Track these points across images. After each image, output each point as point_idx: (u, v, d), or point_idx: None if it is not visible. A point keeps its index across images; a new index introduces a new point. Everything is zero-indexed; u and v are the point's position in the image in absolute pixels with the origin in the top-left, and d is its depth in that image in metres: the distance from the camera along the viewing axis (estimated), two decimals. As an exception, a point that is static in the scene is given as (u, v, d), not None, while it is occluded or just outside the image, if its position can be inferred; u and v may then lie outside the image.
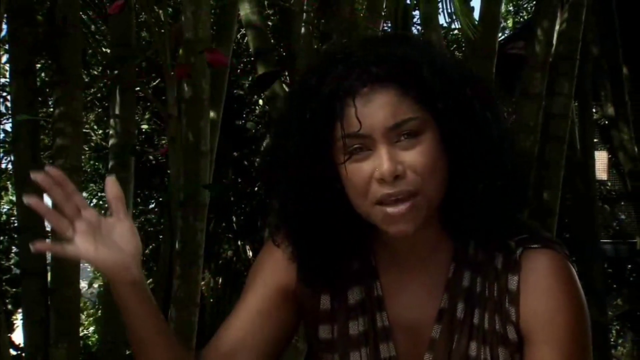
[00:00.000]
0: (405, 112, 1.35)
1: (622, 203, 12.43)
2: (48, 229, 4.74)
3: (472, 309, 1.44)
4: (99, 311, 8.44)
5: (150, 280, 9.22)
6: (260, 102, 9.63)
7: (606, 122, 9.18)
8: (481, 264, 1.45)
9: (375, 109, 1.34)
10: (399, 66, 1.35)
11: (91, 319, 10.70)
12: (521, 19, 14.77)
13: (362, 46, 1.41)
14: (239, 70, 9.12)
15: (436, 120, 1.37)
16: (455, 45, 10.37)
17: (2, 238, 8.27)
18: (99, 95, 8.69)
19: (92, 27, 6.36)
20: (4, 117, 7.81)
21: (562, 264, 1.42)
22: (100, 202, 10.14)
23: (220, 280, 10.15)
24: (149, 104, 8.77)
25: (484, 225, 1.40)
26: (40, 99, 5.85)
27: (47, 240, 1.36)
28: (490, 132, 1.39)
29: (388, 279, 1.50)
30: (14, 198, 8.48)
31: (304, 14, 4.84)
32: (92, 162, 9.87)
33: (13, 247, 8.10)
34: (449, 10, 4.03)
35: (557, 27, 5.29)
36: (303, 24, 4.88)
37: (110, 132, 4.86)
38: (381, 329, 1.49)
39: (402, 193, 1.35)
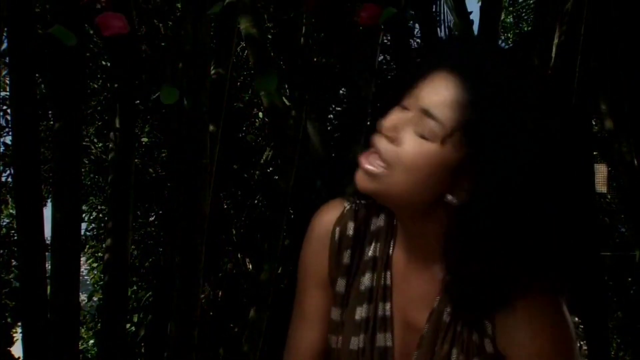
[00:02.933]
0: (443, 113, 1.37)
1: (622, 216, 12.43)
2: (48, 242, 4.74)
3: (458, 315, 1.46)
4: (99, 324, 8.42)
5: (150, 293, 9.21)
6: (260, 114, 9.65)
7: (605, 135, 9.18)
8: None
9: (428, 88, 1.39)
10: (479, 94, 1.36)
11: (91, 332, 10.67)
12: (522, 31, 14.79)
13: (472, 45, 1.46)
14: (238, 84, 9.14)
15: (462, 155, 1.37)
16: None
17: (2, 251, 8.26)
18: (98, 108, 8.70)
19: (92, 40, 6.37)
20: (4, 131, 7.82)
21: (548, 310, 1.43)
22: (100, 215, 10.13)
23: (220, 294, 10.13)
24: (149, 116, 8.78)
25: (477, 275, 1.41)
26: (40, 112, 5.86)
27: None
28: (522, 202, 1.37)
29: (398, 270, 1.53)
30: (13, 211, 8.47)
31: (304, 27, 4.85)
32: (91, 175, 9.87)
33: (13, 261, 8.09)
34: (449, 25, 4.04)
35: (555, 40, 5.30)
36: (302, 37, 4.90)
37: (110, 145, 4.87)
38: (381, 318, 1.52)
39: (376, 149, 1.40)
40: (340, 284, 1.57)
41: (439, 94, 1.37)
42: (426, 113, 1.37)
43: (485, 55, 1.41)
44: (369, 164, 1.41)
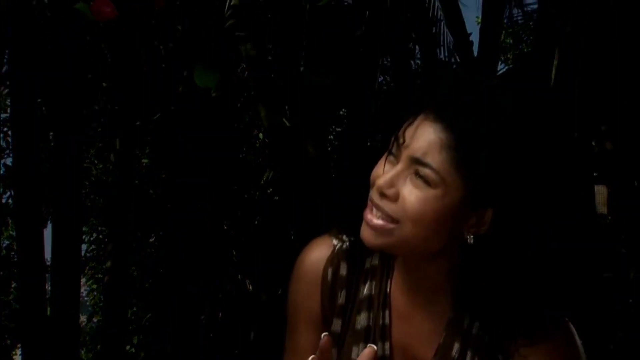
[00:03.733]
0: (434, 159, 1.35)
1: (623, 237, 12.40)
2: (48, 263, 4.73)
3: (466, 350, 1.45)
4: (99, 346, 8.40)
5: (149, 315, 9.19)
6: (261, 135, 9.67)
7: (606, 156, 9.19)
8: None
9: (414, 136, 1.37)
10: (463, 132, 1.35)
11: (91, 354, 10.65)
12: (521, 52, 14.82)
13: (457, 84, 1.42)
14: (239, 105, 9.16)
15: (465, 194, 1.36)
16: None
17: (1, 273, 8.25)
18: (99, 129, 8.71)
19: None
20: (5, 152, 7.83)
21: (562, 339, 1.43)
22: (100, 237, 10.13)
23: (220, 315, 10.12)
24: (149, 137, 8.78)
25: (487, 310, 1.42)
26: (41, 134, 5.86)
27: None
28: (528, 240, 1.38)
29: (397, 308, 1.51)
30: (13, 233, 8.47)
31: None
32: (92, 196, 9.87)
33: (12, 282, 8.08)
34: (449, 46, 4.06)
35: (555, 61, 5.32)
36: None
37: (110, 166, 4.87)
38: (380, 358, 1.49)
39: (381, 210, 1.37)
40: (336, 324, 1.54)
41: (426, 140, 1.35)
42: (417, 162, 1.35)
43: (468, 91, 1.39)
44: (376, 218, 1.38)
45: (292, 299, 1.58)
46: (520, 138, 1.37)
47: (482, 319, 1.42)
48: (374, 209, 1.38)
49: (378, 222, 1.38)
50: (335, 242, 1.54)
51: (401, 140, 1.37)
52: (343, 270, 1.53)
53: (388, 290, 1.52)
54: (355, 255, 1.53)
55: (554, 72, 5.28)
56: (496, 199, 1.36)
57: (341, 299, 1.53)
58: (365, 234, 1.40)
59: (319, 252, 1.54)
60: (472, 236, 1.38)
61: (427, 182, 1.35)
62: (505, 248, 1.38)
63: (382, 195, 1.37)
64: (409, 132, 1.37)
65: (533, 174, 1.37)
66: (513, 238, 1.37)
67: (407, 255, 1.44)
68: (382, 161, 1.40)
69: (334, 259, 1.53)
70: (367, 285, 1.53)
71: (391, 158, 1.39)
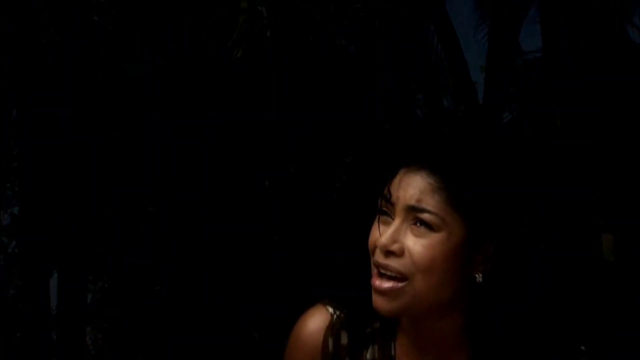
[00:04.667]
0: (429, 203, 1.34)
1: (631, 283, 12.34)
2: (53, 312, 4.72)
3: None
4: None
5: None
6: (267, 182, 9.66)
7: (613, 204, 9.17)
8: None
9: (406, 185, 1.35)
10: (448, 172, 1.35)
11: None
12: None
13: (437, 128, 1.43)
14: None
15: (468, 230, 1.35)
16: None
17: (6, 322, 8.21)
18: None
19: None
20: (11, 202, 7.84)
21: None
22: (106, 285, 10.09)
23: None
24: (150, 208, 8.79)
25: (505, 353, 1.39)
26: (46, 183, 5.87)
27: None
28: (527, 263, 1.38)
29: None
30: (19, 282, 8.44)
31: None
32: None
33: (17, 332, 8.04)
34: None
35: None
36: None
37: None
38: None
39: (389, 269, 1.34)
40: None
41: (416, 187, 1.34)
42: (414, 209, 1.34)
43: (443, 134, 1.40)
44: (385, 282, 1.34)
45: None
46: (506, 165, 1.38)
47: None
48: (381, 272, 1.34)
49: (388, 284, 1.34)
50: (331, 310, 1.48)
51: (389, 196, 1.35)
52: (344, 339, 1.48)
53: (393, 353, 1.49)
54: (355, 321, 1.48)
55: (558, 122, 5.30)
56: (496, 230, 1.34)
57: None
58: (378, 302, 1.36)
59: (317, 322, 1.48)
60: (481, 275, 1.35)
61: (429, 227, 1.33)
62: (514, 278, 1.37)
63: (387, 253, 1.34)
64: (394, 187, 1.36)
65: (523, 199, 1.38)
66: (519, 265, 1.37)
67: (419, 314, 1.39)
68: (375, 226, 1.38)
69: (333, 328, 1.47)
70: (369, 351, 1.49)
71: (384, 218, 1.37)
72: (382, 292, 1.34)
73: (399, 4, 5.61)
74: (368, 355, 1.48)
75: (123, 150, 5.50)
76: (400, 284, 1.34)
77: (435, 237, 1.33)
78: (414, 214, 1.34)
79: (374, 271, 1.36)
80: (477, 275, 1.35)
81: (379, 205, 1.38)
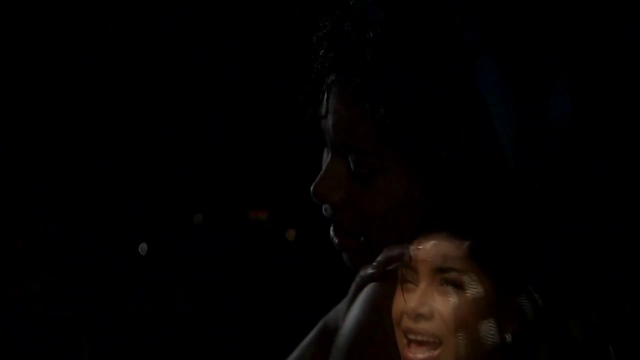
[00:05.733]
0: (455, 262, 1.32)
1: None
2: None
3: None
4: None
5: None
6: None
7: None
8: None
9: (427, 247, 1.34)
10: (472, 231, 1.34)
11: None
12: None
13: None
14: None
15: (493, 283, 1.33)
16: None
17: None
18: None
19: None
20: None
21: None
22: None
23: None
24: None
25: None
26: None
27: None
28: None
29: None
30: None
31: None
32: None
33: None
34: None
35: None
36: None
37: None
38: None
39: (420, 332, 1.31)
40: None
41: (442, 245, 1.33)
42: (441, 270, 1.32)
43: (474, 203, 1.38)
44: (420, 353, 1.32)
45: None
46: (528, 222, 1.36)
47: None
48: (413, 340, 1.32)
49: (423, 355, 1.32)
50: None
51: (410, 262, 1.33)
52: None
53: None
54: None
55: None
56: (518, 280, 1.32)
57: None
58: None
59: None
60: (510, 335, 1.32)
61: (456, 286, 1.32)
62: (544, 338, 1.32)
63: (418, 316, 1.32)
64: (414, 251, 1.34)
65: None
66: (547, 323, 1.32)
67: None
68: (398, 294, 1.35)
69: None
70: None
71: (407, 285, 1.35)
72: None
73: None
74: None
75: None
76: (435, 352, 1.32)
77: (463, 296, 1.32)
78: (441, 275, 1.33)
79: (403, 342, 1.33)
80: (506, 336, 1.32)
81: (399, 273, 1.35)
